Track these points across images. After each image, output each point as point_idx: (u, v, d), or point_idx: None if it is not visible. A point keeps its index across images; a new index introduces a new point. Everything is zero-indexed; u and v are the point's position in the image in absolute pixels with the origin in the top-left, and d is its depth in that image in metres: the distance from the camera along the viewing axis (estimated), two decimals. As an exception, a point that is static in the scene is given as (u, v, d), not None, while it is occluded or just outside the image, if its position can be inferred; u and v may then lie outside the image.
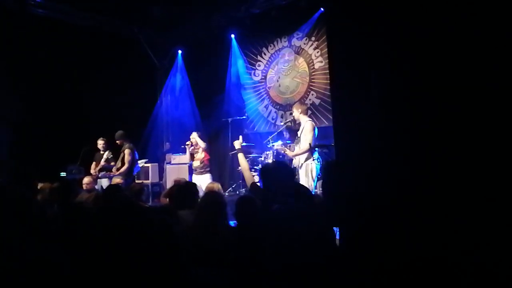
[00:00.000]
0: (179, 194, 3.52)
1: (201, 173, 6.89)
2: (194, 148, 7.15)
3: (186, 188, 3.64)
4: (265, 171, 2.81)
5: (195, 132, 7.19)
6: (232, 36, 8.96)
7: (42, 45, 7.35)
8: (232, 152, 7.98)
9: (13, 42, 7.01)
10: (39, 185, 4.71)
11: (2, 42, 6.92)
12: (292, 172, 2.67)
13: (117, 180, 5.39)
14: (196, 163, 7.06)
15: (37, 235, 1.86)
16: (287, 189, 2.42)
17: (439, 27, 1.86)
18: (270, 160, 7.18)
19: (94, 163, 7.19)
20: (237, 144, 4.03)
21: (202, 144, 6.94)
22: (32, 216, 1.90)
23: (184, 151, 7.61)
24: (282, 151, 5.99)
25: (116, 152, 7.14)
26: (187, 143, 7.23)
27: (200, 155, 7.05)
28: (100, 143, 7.20)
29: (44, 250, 1.55)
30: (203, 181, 6.37)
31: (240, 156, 3.80)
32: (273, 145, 6.61)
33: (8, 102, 7.03)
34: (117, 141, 7.07)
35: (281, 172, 2.62)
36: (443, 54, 1.84)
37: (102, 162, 7.08)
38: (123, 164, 6.92)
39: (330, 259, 1.74)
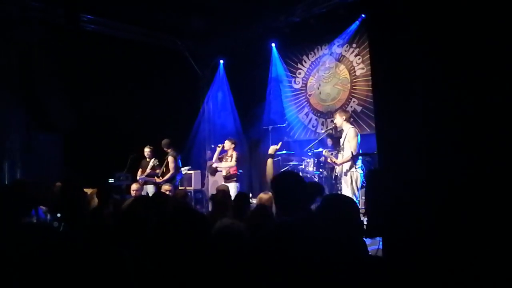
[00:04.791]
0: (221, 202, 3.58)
1: (227, 182, 6.93)
2: (225, 155, 7.22)
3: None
4: (276, 182, 2.44)
5: (229, 141, 7.21)
6: (273, 45, 9.06)
7: (92, 58, 7.76)
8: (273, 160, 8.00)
9: (66, 56, 7.46)
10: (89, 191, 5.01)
11: (56, 56, 7.39)
12: (302, 182, 2.43)
13: (166, 187, 5.58)
14: (223, 172, 7.16)
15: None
16: (297, 201, 2.29)
17: (484, 34, 1.82)
18: (311, 168, 7.16)
19: (140, 170, 7.49)
20: (272, 149, 4.04)
21: (232, 162, 6.97)
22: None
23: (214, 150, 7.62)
24: (329, 159, 5.94)
25: (162, 160, 7.42)
26: (219, 145, 7.31)
27: (227, 164, 7.11)
28: (147, 151, 7.50)
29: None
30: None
31: (269, 162, 3.80)
32: (322, 151, 6.56)
33: (62, 112, 7.46)
34: (164, 149, 7.36)
35: (291, 182, 2.34)
36: (490, 62, 1.80)
37: (148, 170, 7.36)
38: (167, 171, 7.21)
39: (355, 268, 1.72)
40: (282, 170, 6.78)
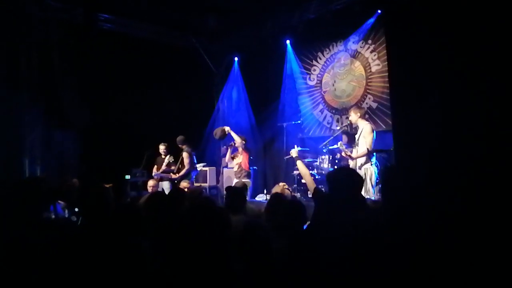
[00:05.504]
0: (229, 198, 3.59)
1: (239, 178, 6.95)
2: (237, 153, 7.29)
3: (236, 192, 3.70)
4: (333, 177, 2.58)
5: (239, 138, 7.29)
6: (288, 41, 9.03)
7: (108, 56, 7.86)
8: (287, 157, 8.02)
9: (83, 55, 7.59)
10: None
11: (73, 55, 7.51)
12: (361, 180, 2.50)
13: (184, 184, 5.65)
14: (234, 168, 7.21)
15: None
16: (353, 197, 2.33)
17: (502, 34, 1.79)
18: (325, 165, 7.14)
19: (155, 166, 7.59)
20: (294, 152, 4.11)
21: (237, 142, 7.00)
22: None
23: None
24: (344, 153, 5.91)
25: (177, 157, 7.50)
26: (231, 144, 7.37)
27: (238, 159, 7.16)
28: (162, 147, 7.59)
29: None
30: None
31: (299, 164, 3.89)
32: (337, 147, 6.51)
33: (80, 110, 7.59)
34: (178, 145, 7.46)
35: (350, 179, 2.43)
36: (507, 59, 1.77)
37: (164, 166, 7.45)
38: (182, 167, 7.30)
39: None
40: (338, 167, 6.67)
